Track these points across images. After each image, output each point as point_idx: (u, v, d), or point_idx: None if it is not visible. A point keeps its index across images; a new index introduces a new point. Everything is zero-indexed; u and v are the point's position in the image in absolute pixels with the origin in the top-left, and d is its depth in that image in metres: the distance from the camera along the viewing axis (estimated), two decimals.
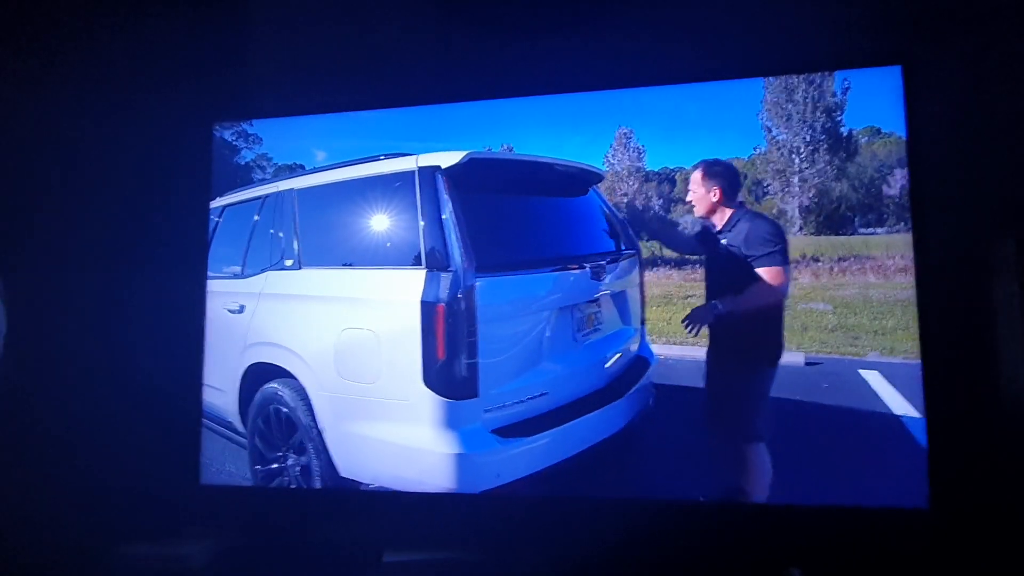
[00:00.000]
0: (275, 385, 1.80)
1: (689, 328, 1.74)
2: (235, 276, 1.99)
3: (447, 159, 1.60)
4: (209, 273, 1.97)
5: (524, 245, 1.73)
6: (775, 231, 1.78)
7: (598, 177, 2.00)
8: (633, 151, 1.90)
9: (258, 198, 2.02)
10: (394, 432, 1.57)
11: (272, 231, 1.94)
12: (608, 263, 1.84)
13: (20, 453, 1.82)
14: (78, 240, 1.95)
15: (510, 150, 1.94)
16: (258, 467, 1.86)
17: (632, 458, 1.85)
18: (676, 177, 2.07)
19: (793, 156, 1.90)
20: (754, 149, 1.90)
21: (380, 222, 1.69)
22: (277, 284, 1.89)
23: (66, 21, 1.98)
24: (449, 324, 1.50)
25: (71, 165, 1.98)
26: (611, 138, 1.90)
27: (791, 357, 2.03)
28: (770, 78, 1.82)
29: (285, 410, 1.77)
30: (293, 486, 1.80)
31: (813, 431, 1.89)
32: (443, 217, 1.56)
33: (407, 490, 1.58)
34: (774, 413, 1.97)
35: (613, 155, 1.90)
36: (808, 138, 1.86)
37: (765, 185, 1.94)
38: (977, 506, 1.56)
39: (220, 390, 1.95)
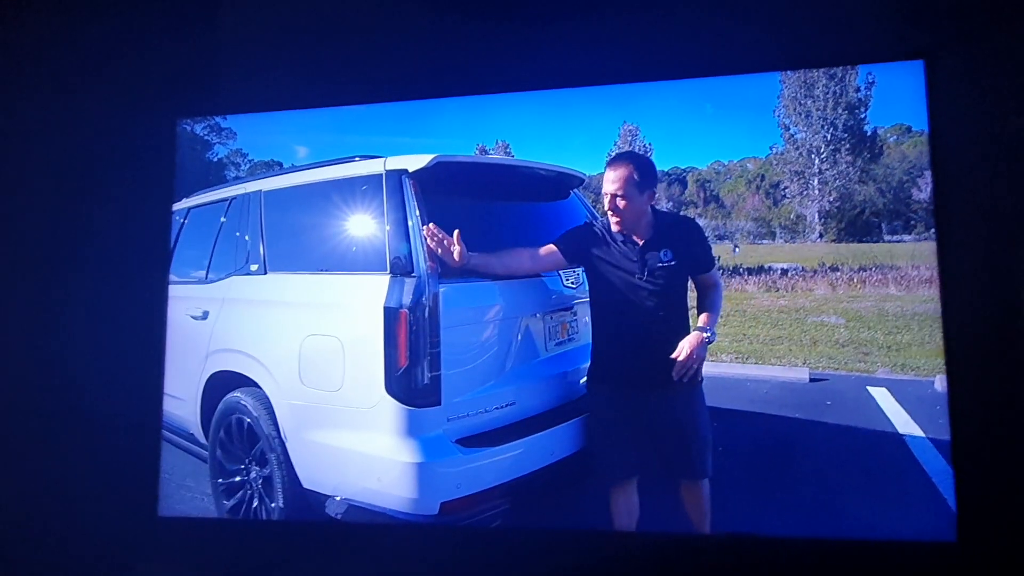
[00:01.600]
0: (238, 394, 1.87)
1: (691, 374, 1.66)
2: (199, 281, 2.06)
3: (414, 162, 1.67)
4: (173, 278, 2.02)
5: (494, 250, 1.78)
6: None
7: (579, 180, 2.07)
8: (639, 149, 1.90)
9: (224, 200, 2.09)
10: (356, 440, 1.63)
11: (238, 234, 2.01)
12: (583, 270, 1.90)
13: None
14: (28, 241, 1.97)
15: (484, 151, 2.00)
16: (219, 480, 1.92)
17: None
18: (687, 178, 2.10)
19: (813, 156, 1.89)
20: (771, 148, 1.89)
21: (347, 226, 1.76)
22: (242, 289, 1.96)
23: (25, 15, 2.01)
24: (412, 330, 1.57)
25: (28, 164, 2.00)
26: (615, 135, 1.92)
27: (795, 373, 2.07)
28: (787, 72, 1.81)
29: (248, 420, 1.83)
30: (256, 504, 1.85)
31: (813, 452, 1.92)
32: (408, 222, 1.62)
33: (368, 502, 1.64)
34: (773, 431, 2.02)
35: (617, 152, 1.87)
36: (829, 137, 1.85)
37: (782, 188, 1.95)
38: (1010, 538, 1.48)
39: (182, 400, 2.01)
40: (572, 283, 1.90)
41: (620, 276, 1.73)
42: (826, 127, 1.87)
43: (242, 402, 1.85)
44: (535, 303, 1.82)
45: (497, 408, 1.69)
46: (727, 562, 1.65)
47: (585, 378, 1.84)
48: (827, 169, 1.90)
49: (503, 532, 1.73)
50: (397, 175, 1.67)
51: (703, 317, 1.72)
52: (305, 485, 1.73)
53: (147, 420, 1.88)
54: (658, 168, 1.81)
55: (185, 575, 1.80)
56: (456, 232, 1.62)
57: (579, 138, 1.93)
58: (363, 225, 1.72)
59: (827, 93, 1.86)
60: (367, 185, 1.72)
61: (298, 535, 1.80)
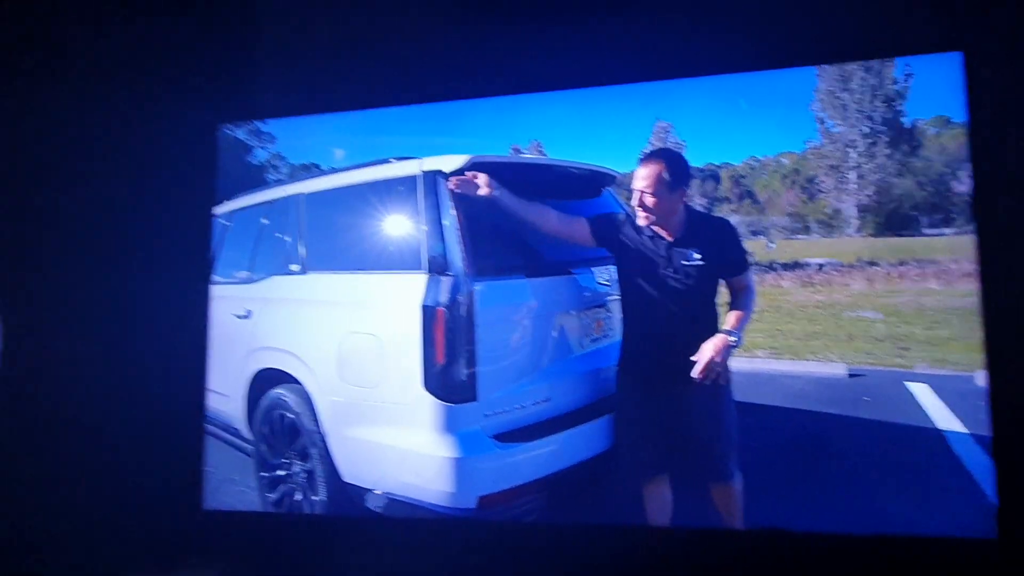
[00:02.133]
0: (280, 390, 1.93)
1: (713, 377, 1.66)
2: (243, 281, 2.12)
3: (450, 163, 1.71)
4: (217, 278, 2.09)
5: (528, 249, 1.82)
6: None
7: (611, 178, 2.09)
8: (672, 146, 1.89)
9: (266, 203, 2.15)
10: (394, 436, 1.67)
11: (279, 236, 2.07)
12: None
13: (19, 471, 1.92)
14: (80, 245, 2.05)
15: (518, 151, 2.03)
16: (263, 474, 1.99)
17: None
18: (721, 174, 2.10)
19: (849, 150, 1.86)
20: (806, 143, 1.88)
21: (384, 226, 1.81)
22: (283, 289, 2.02)
23: (69, 21, 2.09)
24: (448, 328, 1.60)
25: (74, 168, 2.09)
26: (648, 132, 1.93)
27: (831, 368, 2.06)
28: (823, 66, 1.78)
29: (290, 416, 1.89)
30: (298, 497, 1.91)
31: (852, 448, 1.91)
32: (444, 221, 1.66)
33: (407, 496, 1.68)
34: (809, 427, 2.01)
35: (650, 150, 1.86)
36: (866, 130, 1.82)
37: (818, 182, 1.93)
38: None
39: (227, 396, 2.08)
40: (606, 280, 1.92)
41: (647, 271, 1.73)
42: (863, 120, 1.85)
43: (284, 398, 1.91)
44: (569, 300, 1.84)
45: (533, 404, 1.72)
46: (762, 557, 1.66)
47: None
48: (864, 163, 1.88)
49: (539, 527, 1.76)
50: (433, 176, 1.71)
51: (731, 319, 1.71)
52: (346, 479, 1.78)
53: (192, 416, 1.96)
54: (692, 165, 1.81)
55: (229, 566, 1.87)
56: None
57: (612, 136, 1.94)
58: (400, 225, 1.77)
59: (864, 86, 1.84)
60: (403, 186, 1.76)
61: (339, 528, 1.86)
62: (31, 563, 1.81)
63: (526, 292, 1.76)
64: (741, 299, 1.74)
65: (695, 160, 1.89)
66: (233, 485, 2.05)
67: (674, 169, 1.71)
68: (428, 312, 1.62)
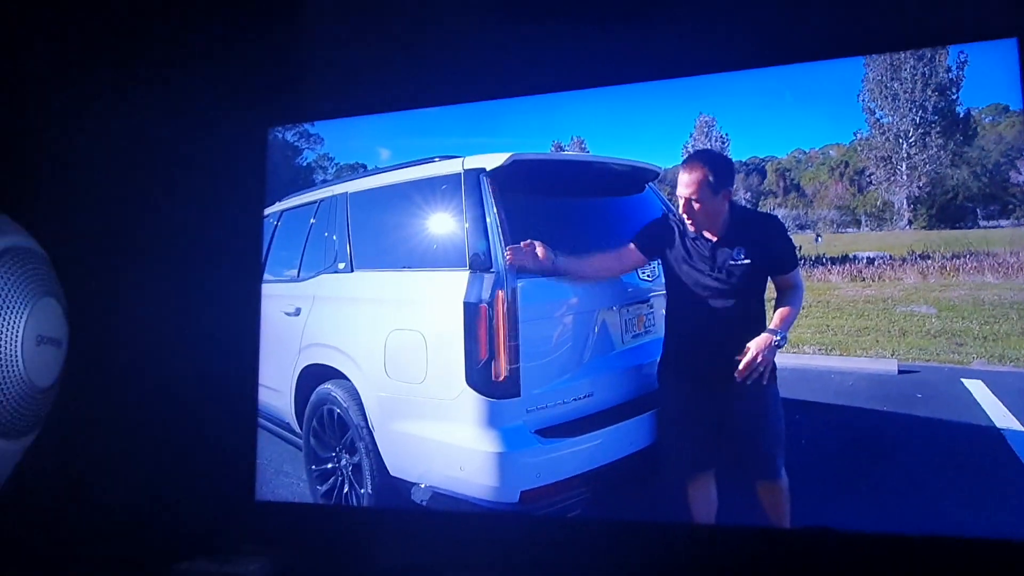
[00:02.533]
0: (328, 386, 1.98)
1: (756, 376, 1.66)
2: (292, 279, 2.18)
3: (492, 161, 1.73)
4: (268, 276, 2.16)
5: (570, 245, 1.82)
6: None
7: (654, 174, 2.08)
8: (716, 141, 1.88)
9: (314, 202, 2.21)
10: (439, 431, 1.71)
11: (326, 234, 2.12)
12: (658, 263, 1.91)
13: (84, 462, 2.02)
14: (135, 245, 2.15)
15: (560, 148, 2.03)
16: (313, 467, 2.04)
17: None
18: (766, 167, 2.08)
19: (900, 140, 1.83)
20: (855, 134, 1.85)
21: (427, 224, 1.84)
22: (330, 287, 2.07)
23: (124, 31, 2.18)
24: (491, 324, 1.63)
25: (134, 172, 2.18)
26: (691, 127, 1.93)
27: (883, 364, 2.02)
28: (872, 55, 1.74)
29: (338, 411, 1.94)
30: (347, 490, 1.96)
31: (903, 446, 1.87)
32: (486, 219, 1.69)
33: (451, 490, 1.71)
34: (859, 425, 1.97)
35: (693, 145, 1.88)
36: (918, 120, 1.77)
37: (868, 174, 1.90)
38: None
39: (278, 391, 2.14)
40: (648, 276, 1.92)
41: (691, 272, 1.73)
42: (915, 110, 1.80)
43: (332, 393, 1.96)
44: (611, 296, 1.85)
45: (575, 399, 1.73)
46: (809, 556, 1.64)
47: None
48: (916, 153, 1.83)
49: (582, 522, 1.77)
50: (475, 174, 1.74)
51: (776, 318, 1.69)
52: (392, 473, 1.82)
53: (245, 411, 2.03)
54: (736, 159, 1.81)
55: (280, 555, 1.92)
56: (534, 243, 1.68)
57: (655, 132, 1.94)
58: (443, 223, 1.80)
59: (915, 75, 1.79)
60: (446, 184, 1.79)
61: (389, 520, 1.91)
62: (96, 548, 1.91)
63: (568, 289, 1.77)
64: (788, 297, 1.72)
65: (739, 154, 1.88)
66: (285, 477, 2.11)
67: (718, 170, 1.70)
68: (470, 309, 1.65)
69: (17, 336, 1.35)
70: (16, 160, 2.12)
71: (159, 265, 2.15)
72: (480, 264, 1.67)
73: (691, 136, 1.89)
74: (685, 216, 1.73)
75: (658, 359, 1.84)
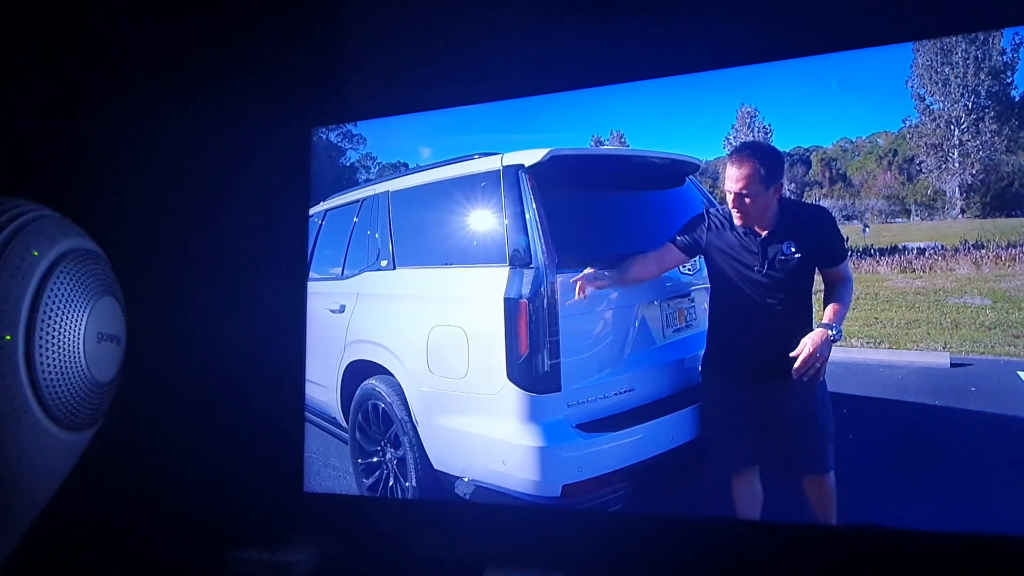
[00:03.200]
0: (373, 381, 2.02)
1: (813, 372, 1.62)
2: (336, 277, 2.23)
3: (530, 157, 1.74)
4: (313, 275, 2.21)
5: (610, 240, 1.83)
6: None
7: (694, 167, 2.06)
8: (758, 132, 1.84)
9: (356, 201, 2.25)
10: (481, 425, 1.73)
11: (369, 233, 2.16)
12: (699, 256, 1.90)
13: (137, 456, 2.08)
14: (187, 246, 2.22)
15: (599, 143, 2.03)
16: (359, 460, 2.09)
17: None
18: (811, 157, 2.05)
19: (952, 127, 1.79)
20: (903, 122, 1.81)
21: (467, 221, 1.86)
22: (374, 284, 2.11)
23: (172, 34, 2.25)
24: (531, 320, 1.64)
25: (182, 174, 2.25)
26: (732, 118, 1.91)
27: (934, 358, 1.97)
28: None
29: (382, 405, 1.98)
30: (392, 483, 2.00)
31: (955, 441, 1.83)
32: (525, 215, 1.70)
33: (494, 484, 1.74)
34: (909, 419, 1.93)
35: (735, 137, 1.85)
36: (970, 105, 1.71)
37: (918, 162, 1.86)
38: None
39: (325, 387, 2.19)
40: (689, 270, 1.91)
41: (738, 268, 1.71)
42: (967, 95, 1.74)
43: (376, 388, 2.00)
44: (651, 291, 1.84)
45: (616, 394, 1.74)
46: (857, 554, 1.61)
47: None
48: (969, 140, 1.77)
49: (623, 516, 1.78)
50: (514, 170, 1.75)
51: (829, 312, 1.66)
52: (436, 467, 1.85)
53: (293, 406, 2.08)
54: (782, 149, 1.78)
55: (328, 544, 1.98)
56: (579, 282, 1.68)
57: (695, 124, 1.92)
58: (483, 220, 1.82)
59: (967, 59, 1.73)
60: (486, 181, 1.81)
61: (435, 512, 1.94)
62: (153, 535, 1.99)
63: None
64: (838, 290, 1.68)
65: (783, 144, 1.83)
66: (333, 470, 2.16)
67: (769, 164, 1.67)
68: (511, 304, 1.67)
69: (79, 334, 1.41)
70: (76, 166, 2.21)
71: (210, 265, 2.22)
72: (520, 260, 1.69)
73: (733, 128, 1.86)
74: (735, 211, 1.70)
75: (701, 354, 1.83)
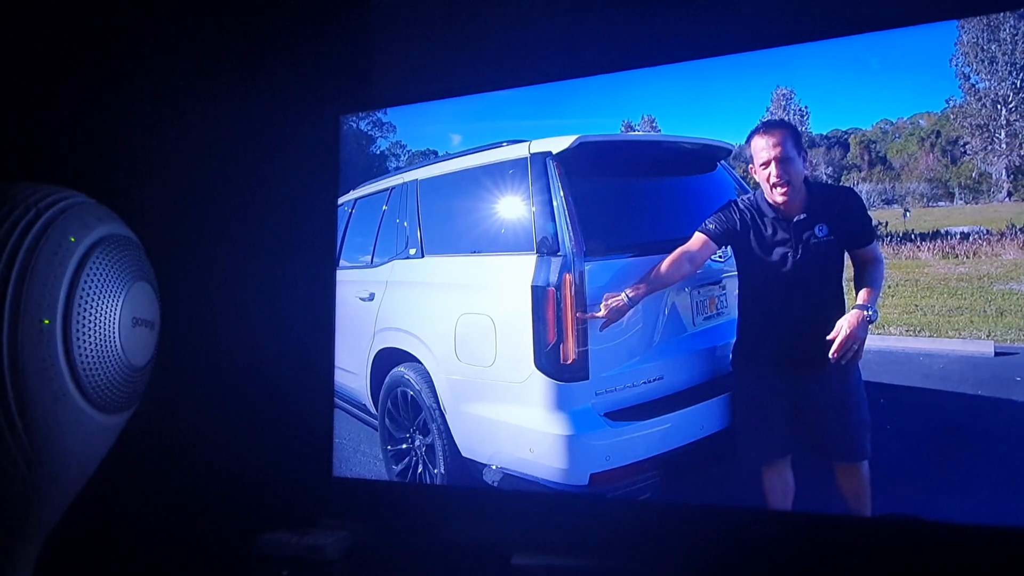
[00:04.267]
0: (401, 369, 2.04)
1: (850, 355, 1.59)
2: (366, 265, 2.25)
3: (558, 144, 1.73)
4: (344, 263, 2.23)
5: (639, 227, 1.81)
6: None
7: (725, 151, 2.03)
8: (794, 114, 1.80)
9: (386, 190, 2.26)
10: (509, 413, 1.73)
11: (398, 221, 2.17)
12: None
13: (170, 440, 2.13)
14: (218, 233, 2.25)
15: (630, 128, 2.01)
16: (388, 447, 2.11)
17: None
18: (849, 140, 2.00)
19: (999, 107, 1.74)
20: (947, 102, 1.76)
21: (495, 209, 1.85)
22: (402, 272, 2.12)
23: (197, 18, 2.27)
24: (559, 308, 1.64)
25: (213, 162, 2.28)
26: (767, 101, 1.88)
27: (977, 346, 1.92)
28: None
29: (411, 393, 2.00)
30: (420, 469, 2.02)
31: (999, 432, 1.78)
32: (553, 203, 1.69)
33: (521, 471, 1.74)
34: (950, 410, 1.89)
35: (768, 120, 1.78)
36: (1018, 83, 1.65)
37: (962, 144, 1.82)
38: None
39: (354, 374, 2.22)
40: (719, 256, 1.88)
41: (770, 253, 1.68)
42: (1015, 73, 1.67)
43: (405, 376, 2.02)
44: None
45: (644, 383, 1.72)
46: (892, 546, 1.58)
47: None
48: (1016, 120, 1.71)
49: (652, 505, 1.76)
50: (541, 158, 1.74)
51: (863, 294, 1.63)
52: (464, 454, 1.86)
53: (322, 392, 2.11)
54: (816, 132, 1.76)
55: (356, 529, 2.00)
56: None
57: (728, 107, 1.89)
58: (510, 207, 1.81)
59: (1016, 35, 1.67)
60: (513, 169, 1.80)
61: (463, 498, 1.95)
62: (184, 517, 2.04)
63: (636, 271, 1.75)
64: (870, 272, 1.65)
65: (820, 127, 1.80)
66: (363, 456, 2.19)
67: (796, 135, 1.68)
68: (538, 292, 1.66)
69: (115, 318, 1.44)
70: (110, 154, 2.26)
71: (241, 251, 2.25)
72: (548, 248, 1.68)
73: (767, 111, 1.83)
74: (777, 180, 1.67)
75: (732, 342, 1.81)
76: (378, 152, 2.28)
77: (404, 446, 2.06)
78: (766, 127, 1.70)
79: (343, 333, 2.17)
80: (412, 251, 2.10)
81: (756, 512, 1.72)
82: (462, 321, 1.85)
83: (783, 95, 1.81)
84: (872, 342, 1.70)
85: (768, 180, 1.68)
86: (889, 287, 1.69)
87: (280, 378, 2.15)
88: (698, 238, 1.75)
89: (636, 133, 1.89)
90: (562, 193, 1.69)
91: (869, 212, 1.72)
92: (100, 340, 1.38)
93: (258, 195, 2.26)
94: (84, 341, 1.37)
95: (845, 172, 1.90)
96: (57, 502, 1.41)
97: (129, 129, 2.32)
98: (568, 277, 1.64)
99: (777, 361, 1.69)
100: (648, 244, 1.81)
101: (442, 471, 1.91)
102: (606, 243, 1.72)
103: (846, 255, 1.68)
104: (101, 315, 1.39)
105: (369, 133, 2.28)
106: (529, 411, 1.69)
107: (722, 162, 2.05)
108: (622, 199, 1.80)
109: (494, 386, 1.77)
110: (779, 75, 1.79)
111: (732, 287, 1.93)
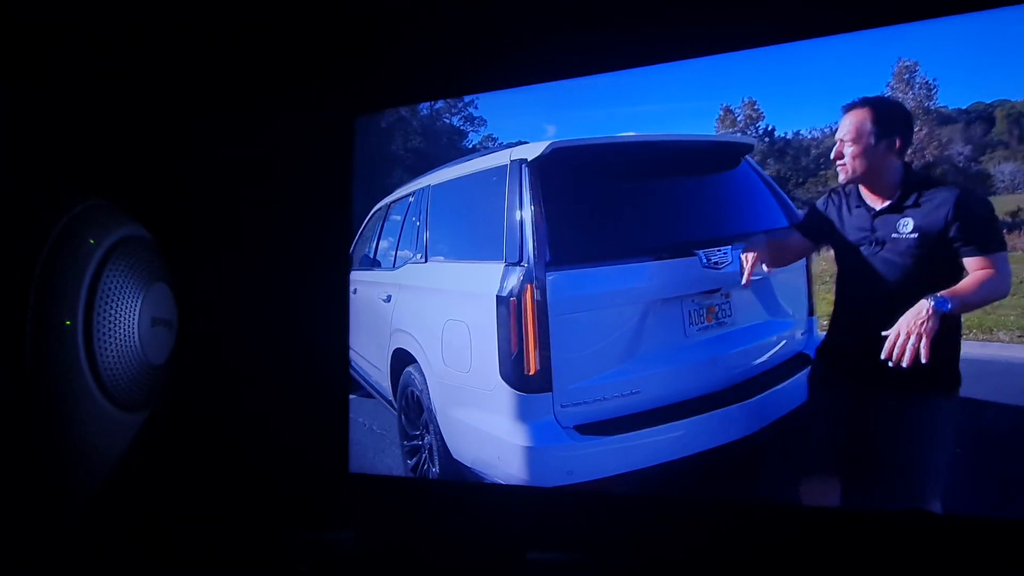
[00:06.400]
0: (411, 368, 2.11)
1: (909, 361, 1.37)
2: (388, 268, 2.35)
3: (532, 151, 1.70)
4: (377, 265, 2.34)
5: (617, 236, 1.75)
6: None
7: (748, 147, 1.89)
8: (919, 88, 1.60)
9: (411, 194, 2.34)
10: (481, 420, 1.75)
11: (416, 225, 2.24)
12: (733, 248, 1.75)
13: (190, 438, 2.21)
14: (236, 233, 2.30)
15: (728, 111, 1.84)
16: (404, 443, 2.20)
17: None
18: (995, 113, 1.79)
19: None
20: None
21: (480, 217, 1.87)
22: (412, 276, 2.19)
23: (211, 19, 2.23)
24: (520, 318, 1.62)
25: (231, 164, 2.31)
26: (888, 75, 1.72)
27: (1019, 352, 1.66)
28: None
29: (417, 392, 2.07)
30: (428, 466, 2.07)
31: None
32: (520, 212, 1.67)
33: (493, 478, 1.75)
34: (992, 420, 1.64)
35: (890, 94, 1.60)
36: None
37: None
38: None
39: (380, 370, 2.33)
40: (715, 263, 1.77)
41: (850, 246, 1.52)
42: None
43: (413, 376, 2.08)
44: (664, 287, 1.72)
45: (618, 396, 1.66)
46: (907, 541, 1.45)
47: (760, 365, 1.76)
48: None
49: (665, 501, 1.73)
50: (518, 165, 1.73)
51: (950, 290, 1.38)
52: (453, 455, 1.90)
53: (337, 390, 2.20)
54: (952, 107, 1.57)
55: (373, 524, 2.06)
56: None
57: (840, 86, 1.67)
58: (491, 215, 1.80)
59: None
60: (496, 176, 1.79)
61: (478, 495, 1.95)
62: (198, 516, 2.19)
63: (606, 280, 1.69)
64: (979, 278, 1.39)
65: (957, 101, 1.59)
66: (379, 439, 2.29)
67: (882, 116, 1.49)
68: (501, 302, 1.66)
69: (134, 318, 1.59)
70: (130, 158, 2.40)
71: (258, 252, 2.31)
72: (513, 257, 1.67)
73: (888, 85, 1.64)
74: (838, 164, 1.53)
75: (734, 353, 1.71)
76: (470, 146, 2.34)
77: (416, 443, 2.14)
78: (847, 107, 1.54)
79: (371, 332, 2.28)
80: (418, 256, 2.16)
81: (767, 507, 1.65)
82: (447, 327, 1.88)
83: (906, 67, 1.61)
84: (972, 349, 1.53)
85: (833, 159, 1.54)
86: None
87: (297, 378, 2.25)
88: (794, 237, 1.71)
89: (617, 136, 1.81)
90: (530, 200, 1.66)
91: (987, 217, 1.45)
92: (120, 340, 1.54)
93: (275, 195, 2.30)
94: (105, 341, 1.53)
95: (988, 150, 1.67)
96: (80, 496, 1.61)
97: (148, 137, 2.33)
98: (529, 287, 1.62)
99: (847, 370, 1.54)
100: (625, 252, 1.74)
101: (437, 471, 1.97)
102: (579, 252, 1.68)
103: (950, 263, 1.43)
104: (121, 315, 1.55)
105: (461, 128, 2.33)
106: (497, 419, 1.69)
107: (747, 158, 1.92)
108: (601, 204, 1.73)
109: (471, 392, 1.79)
110: (901, 46, 1.60)
111: (738, 295, 1.81)
